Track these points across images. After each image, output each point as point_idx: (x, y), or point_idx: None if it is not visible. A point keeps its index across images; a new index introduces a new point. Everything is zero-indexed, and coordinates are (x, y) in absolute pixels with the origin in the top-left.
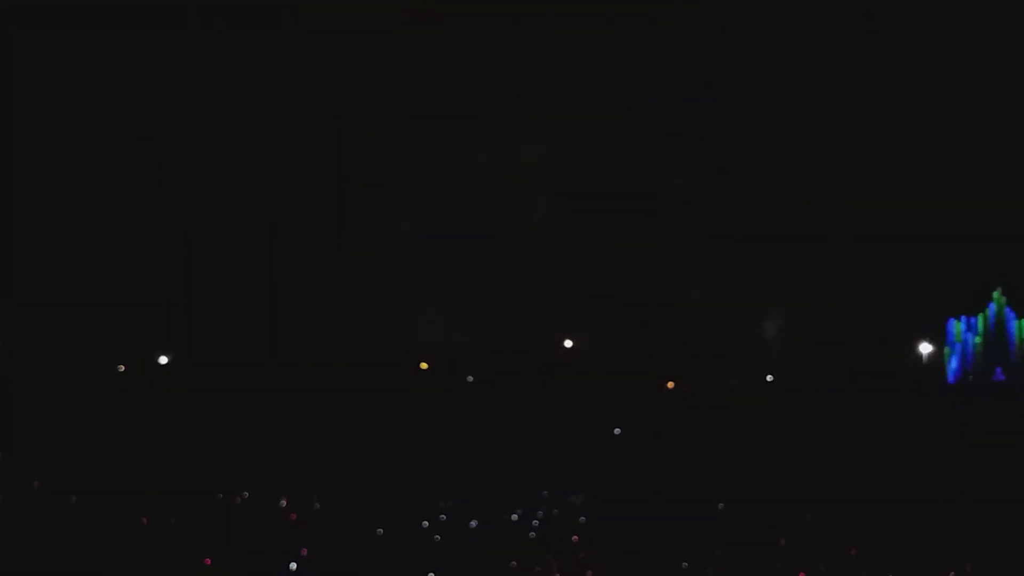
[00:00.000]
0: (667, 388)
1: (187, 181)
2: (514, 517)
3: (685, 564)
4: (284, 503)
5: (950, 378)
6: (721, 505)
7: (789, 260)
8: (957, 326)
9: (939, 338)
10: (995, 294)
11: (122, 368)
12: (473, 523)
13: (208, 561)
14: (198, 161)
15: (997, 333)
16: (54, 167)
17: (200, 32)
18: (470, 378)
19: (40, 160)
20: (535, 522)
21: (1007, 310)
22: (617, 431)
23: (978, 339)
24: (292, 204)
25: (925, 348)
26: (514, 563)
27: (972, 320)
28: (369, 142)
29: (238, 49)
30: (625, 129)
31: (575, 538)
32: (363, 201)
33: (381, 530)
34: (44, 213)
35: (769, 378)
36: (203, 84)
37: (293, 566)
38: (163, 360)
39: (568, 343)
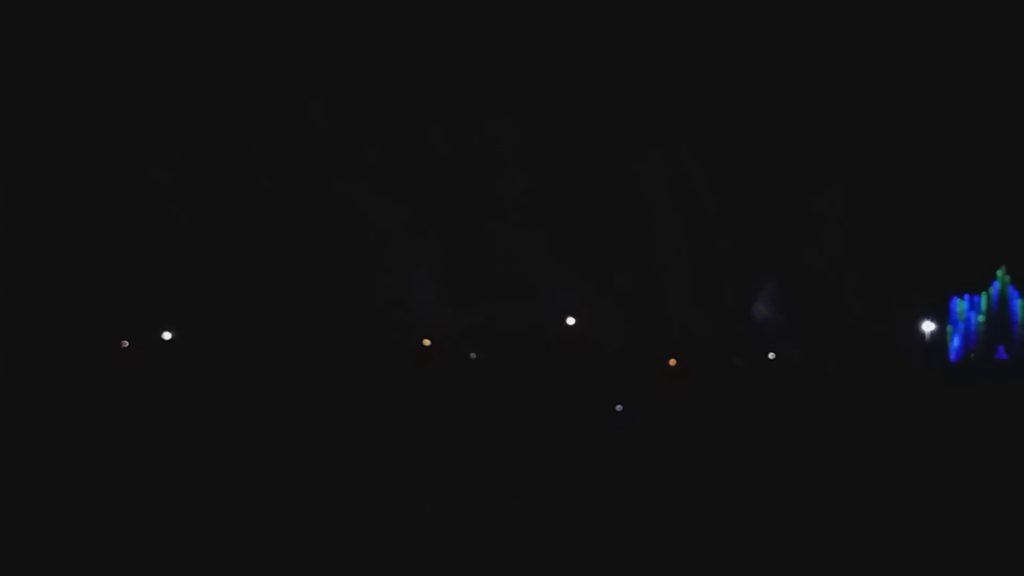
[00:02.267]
0: (669, 365)
1: (183, 163)
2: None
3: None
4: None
5: (952, 356)
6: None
7: (791, 238)
8: (960, 305)
9: (942, 317)
10: (999, 272)
11: (125, 343)
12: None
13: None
14: (192, 147)
15: (1000, 312)
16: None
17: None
18: (473, 355)
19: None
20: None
21: (1010, 289)
22: (619, 407)
23: (981, 318)
24: (284, 192)
25: (928, 327)
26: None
27: (975, 299)
28: (358, 130)
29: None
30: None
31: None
32: (355, 187)
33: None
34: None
35: (771, 355)
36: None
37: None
38: (167, 336)
39: (571, 320)
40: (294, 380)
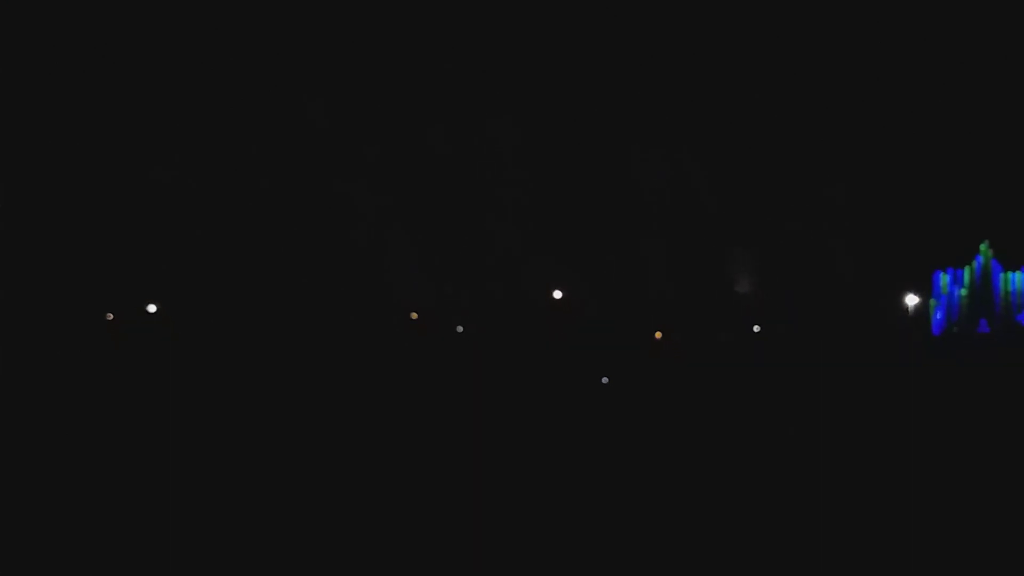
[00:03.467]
0: (655, 339)
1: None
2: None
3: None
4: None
5: (935, 329)
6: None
7: (774, 212)
8: (943, 278)
9: (926, 290)
10: (982, 247)
11: (110, 316)
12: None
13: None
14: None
15: (983, 286)
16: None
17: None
18: (460, 328)
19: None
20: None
21: (993, 263)
22: (605, 380)
23: (964, 291)
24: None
25: (911, 300)
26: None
27: (959, 273)
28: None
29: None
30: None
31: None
32: (337, 176)
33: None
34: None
35: (756, 328)
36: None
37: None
38: (152, 308)
39: (557, 293)
40: (283, 352)
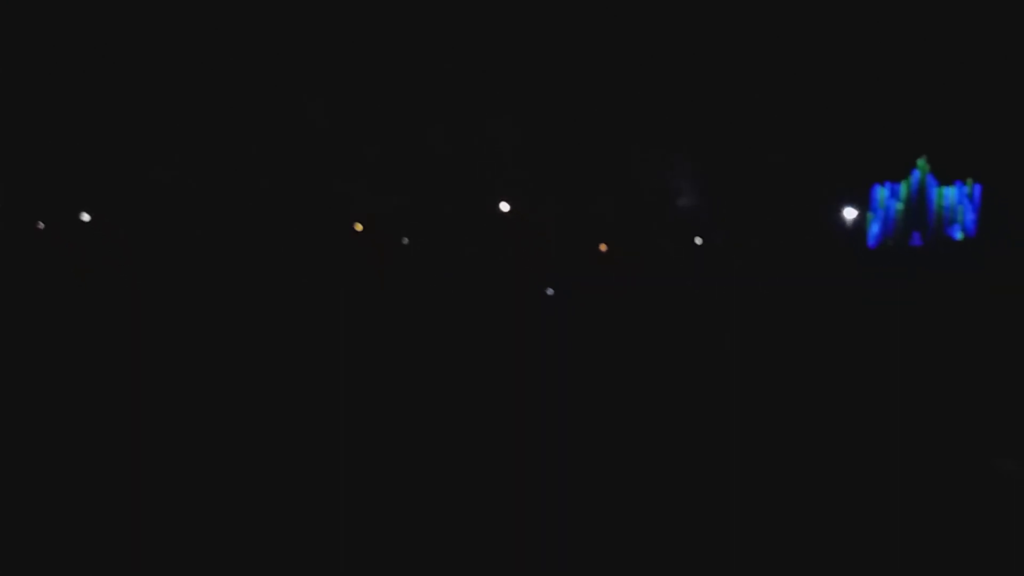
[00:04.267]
0: (600, 251)
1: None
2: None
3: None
4: None
5: (870, 243)
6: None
7: (713, 123)
8: (881, 192)
9: (864, 204)
10: (919, 162)
11: (40, 225)
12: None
13: None
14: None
15: (918, 200)
16: None
17: None
18: (405, 239)
19: None
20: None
21: (929, 177)
22: (550, 291)
23: (900, 205)
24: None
25: (850, 213)
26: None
27: (896, 187)
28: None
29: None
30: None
31: None
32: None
33: None
34: None
35: (698, 240)
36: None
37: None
38: (85, 217)
39: (504, 206)
40: (217, 263)
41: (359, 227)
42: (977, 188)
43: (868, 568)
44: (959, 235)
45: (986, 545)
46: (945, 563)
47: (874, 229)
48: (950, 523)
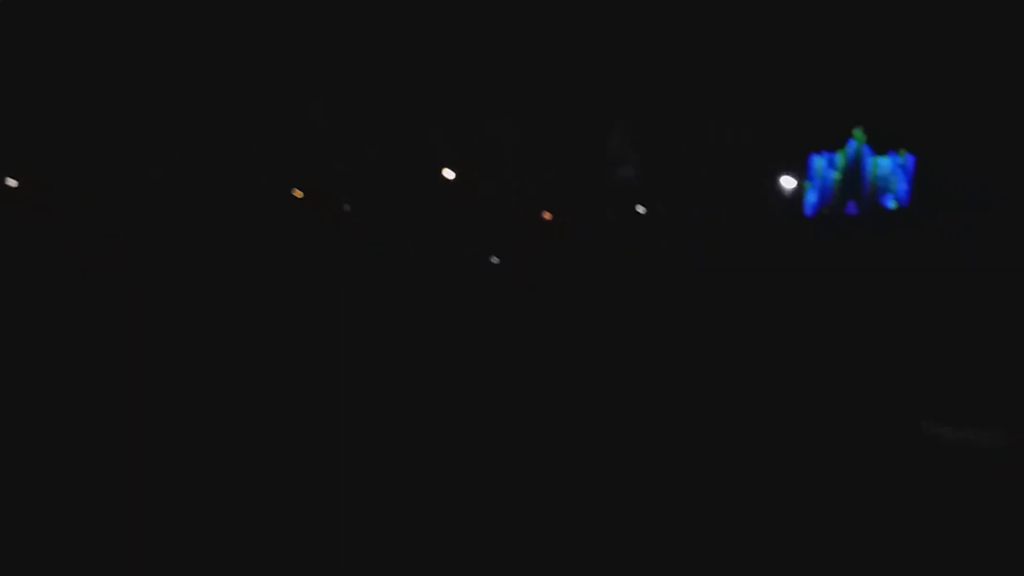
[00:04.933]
0: (543, 219)
1: None
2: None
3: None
4: None
5: (807, 211)
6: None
7: (653, 93)
8: (818, 162)
9: (801, 173)
10: (856, 132)
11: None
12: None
13: None
14: None
15: (854, 169)
16: None
17: None
18: (347, 207)
19: None
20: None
21: (865, 148)
22: (495, 260)
23: (836, 175)
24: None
25: (788, 182)
26: None
27: (833, 156)
28: None
29: None
30: None
31: None
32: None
33: None
34: None
35: (641, 209)
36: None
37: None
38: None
39: (448, 173)
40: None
41: (299, 193)
42: (910, 159)
43: (807, 524)
44: (892, 204)
45: (920, 504)
46: (882, 522)
47: (811, 198)
48: (886, 484)
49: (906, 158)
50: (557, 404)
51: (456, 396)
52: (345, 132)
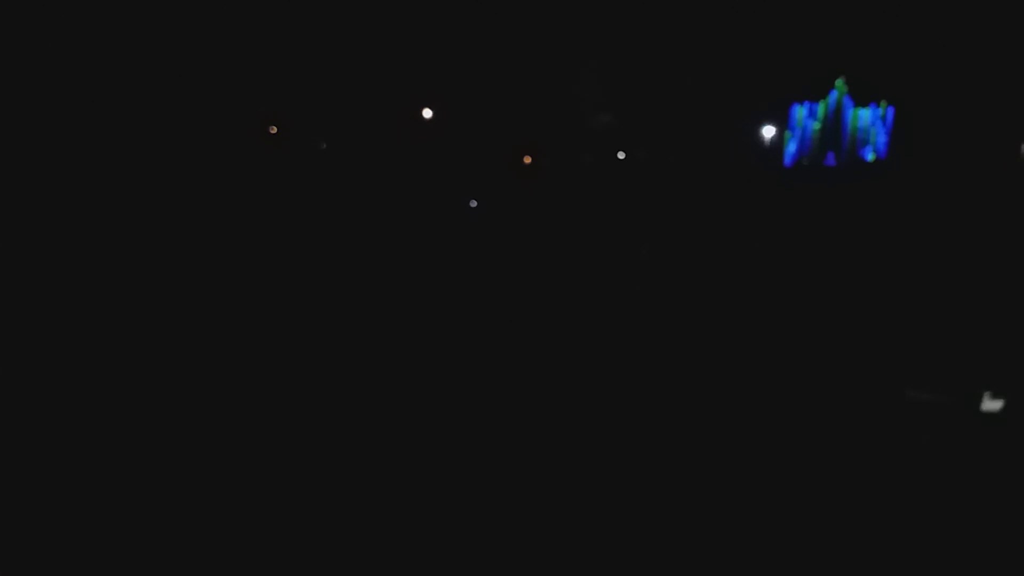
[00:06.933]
0: (524, 163)
1: None
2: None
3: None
4: None
5: (787, 161)
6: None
7: (634, 40)
8: (800, 111)
9: (782, 122)
10: (837, 82)
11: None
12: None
13: None
14: None
15: (834, 120)
16: None
17: None
18: (324, 145)
19: None
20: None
21: (846, 98)
22: (473, 203)
23: (817, 125)
24: None
25: (768, 131)
26: None
27: (814, 106)
28: None
29: None
30: None
31: None
32: None
33: None
34: None
35: (621, 155)
36: None
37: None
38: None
39: (427, 112)
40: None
41: (273, 130)
42: (890, 110)
43: (790, 491)
44: (871, 156)
45: (902, 468)
46: (866, 487)
47: (791, 148)
48: (869, 449)
49: (887, 110)
50: (531, 361)
51: (432, 357)
52: (323, 70)
